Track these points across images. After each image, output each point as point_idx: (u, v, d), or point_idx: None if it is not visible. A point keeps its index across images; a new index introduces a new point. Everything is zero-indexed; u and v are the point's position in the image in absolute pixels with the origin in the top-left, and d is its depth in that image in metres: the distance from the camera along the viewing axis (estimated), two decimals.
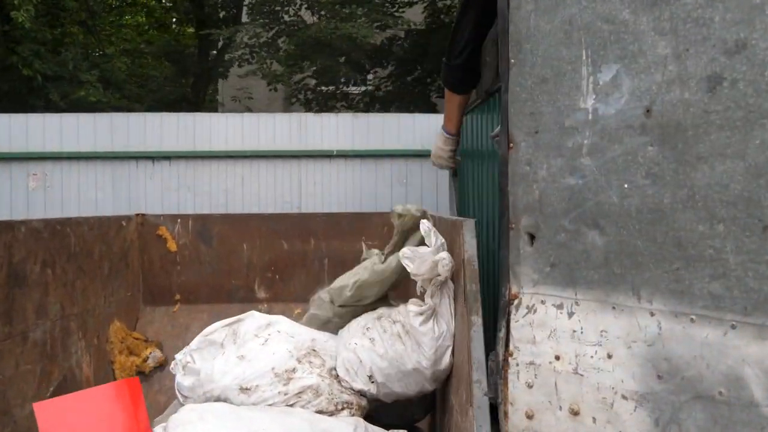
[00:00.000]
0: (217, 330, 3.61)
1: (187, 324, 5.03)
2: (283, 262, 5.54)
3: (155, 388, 4.37)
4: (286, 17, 11.05)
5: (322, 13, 10.69)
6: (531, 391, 2.08)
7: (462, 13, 3.33)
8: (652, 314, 1.81)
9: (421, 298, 3.30)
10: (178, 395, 3.43)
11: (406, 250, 3.19)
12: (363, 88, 15.37)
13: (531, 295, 2.08)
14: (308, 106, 13.43)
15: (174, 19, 13.69)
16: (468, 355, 2.61)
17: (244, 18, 12.67)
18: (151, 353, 4.49)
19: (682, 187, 1.74)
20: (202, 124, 7.12)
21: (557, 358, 2.01)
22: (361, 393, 3.26)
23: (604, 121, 1.88)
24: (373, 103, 14.37)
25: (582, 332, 1.96)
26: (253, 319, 3.65)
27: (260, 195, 7.28)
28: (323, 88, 13.54)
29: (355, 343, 3.36)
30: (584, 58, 1.93)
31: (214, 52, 12.89)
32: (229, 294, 5.24)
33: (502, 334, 2.17)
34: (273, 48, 10.48)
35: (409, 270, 3.14)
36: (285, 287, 5.57)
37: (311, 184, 7.33)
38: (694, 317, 1.73)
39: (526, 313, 2.09)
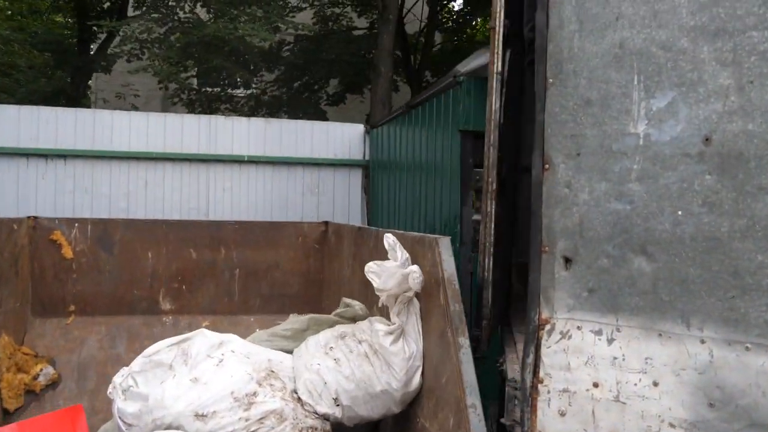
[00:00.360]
0: (162, 350, 3.32)
1: (83, 338, 4.64)
2: (190, 272, 5.26)
3: (47, 408, 3.98)
4: (181, 14, 10.54)
5: (212, 11, 10.32)
6: (564, 419, 2.03)
7: None
8: (702, 342, 1.82)
9: (386, 315, 3.20)
10: (120, 423, 3.11)
11: (371, 264, 3.08)
12: (248, 91, 15.00)
13: (566, 320, 2.04)
14: (191, 107, 12.93)
15: (48, 6, 12.70)
16: (458, 378, 2.54)
17: (130, 11, 11.98)
18: (42, 370, 4.10)
19: (741, 217, 1.75)
20: (103, 122, 6.60)
21: (595, 385, 1.98)
22: (324, 417, 3.10)
23: (658, 147, 1.88)
24: (258, 108, 14.07)
25: (624, 359, 1.94)
26: (204, 337, 3.39)
27: (165, 200, 6.85)
28: (208, 89, 13.09)
29: (318, 364, 3.19)
30: (636, 82, 1.91)
31: (95, 45, 12.09)
32: (130, 305, 4.89)
33: (530, 360, 2.11)
34: (165, 44, 9.95)
35: (375, 284, 3.04)
36: (192, 298, 5.29)
37: (220, 190, 6.99)
38: (749, 345, 1.75)
39: (560, 339, 2.05)
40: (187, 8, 10.43)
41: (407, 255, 3.10)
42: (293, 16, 13.09)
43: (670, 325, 1.86)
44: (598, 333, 1.98)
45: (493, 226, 3.73)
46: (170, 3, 10.41)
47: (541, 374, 2.07)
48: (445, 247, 3.00)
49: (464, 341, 2.63)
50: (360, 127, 7.68)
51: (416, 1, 15.46)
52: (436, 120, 5.75)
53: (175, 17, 10.45)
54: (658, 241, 1.88)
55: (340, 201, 7.38)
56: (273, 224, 5.97)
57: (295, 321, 3.82)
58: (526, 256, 4.41)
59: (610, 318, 1.96)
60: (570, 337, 2.03)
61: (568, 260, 2.04)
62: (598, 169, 1.97)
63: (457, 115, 5.42)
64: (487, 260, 3.64)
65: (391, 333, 3.07)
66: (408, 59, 15.11)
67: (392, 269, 3.01)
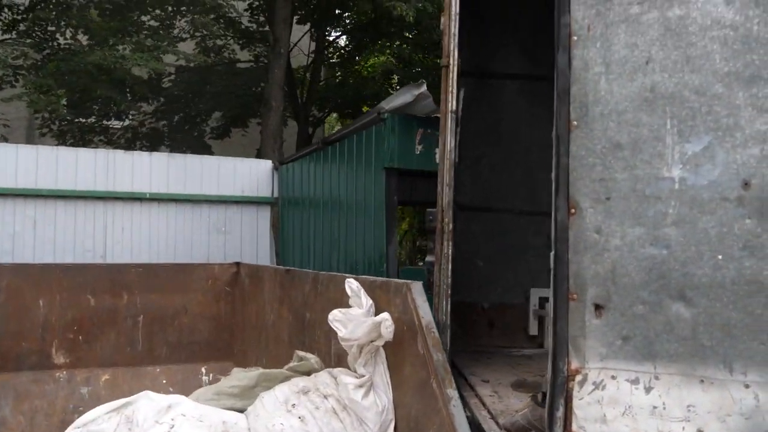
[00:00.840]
0: (100, 417, 2.98)
1: None
2: (88, 321, 4.88)
3: None
4: (61, 39, 9.85)
5: (94, 39, 9.75)
6: None
7: None
8: (747, 386, 1.81)
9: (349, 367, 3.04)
10: None
11: (336, 313, 2.94)
12: (124, 123, 14.31)
13: (599, 370, 1.97)
14: (61, 139, 12.12)
15: None
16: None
17: None
18: None
19: None
20: None
21: None
22: None
23: (694, 191, 1.87)
24: (135, 140, 13.43)
25: (665, 408, 1.89)
26: (149, 401, 3.08)
27: (56, 241, 6.25)
28: (81, 120, 12.33)
29: (281, 424, 2.98)
30: (669, 126, 1.91)
31: None
32: (17, 360, 4.46)
33: (560, 413, 2.02)
34: (43, 72, 9.23)
35: (340, 334, 2.88)
36: (90, 350, 4.89)
37: (119, 230, 6.49)
38: None
39: (593, 390, 1.98)
40: (68, 34, 9.76)
41: (371, 302, 2.97)
42: (176, 47, 12.68)
43: (712, 371, 1.84)
44: (635, 382, 1.93)
45: (450, 267, 3.67)
46: (49, 28, 9.70)
47: (575, 427, 1.98)
48: (418, 293, 2.90)
49: (453, 393, 2.53)
50: (268, 164, 7.43)
51: (302, 36, 15.40)
52: (357, 157, 5.65)
53: (55, 43, 9.75)
54: (698, 285, 1.86)
55: (248, 240, 7.08)
56: (180, 266, 5.65)
57: (241, 377, 3.55)
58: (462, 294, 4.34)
59: (647, 366, 1.92)
60: (604, 387, 1.96)
61: (599, 307, 1.98)
62: (631, 213, 1.94)
63: (382, 152, 5.36)
64: (444, 303, 3.56)
65: (361, 386, 2.91)
66: (294, 93, 14.98)
67: (360, 318, 2.87)
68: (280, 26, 12.11)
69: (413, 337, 2.81)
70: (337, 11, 14.48)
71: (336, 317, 2.90)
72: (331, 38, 15.57)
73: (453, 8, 3.64)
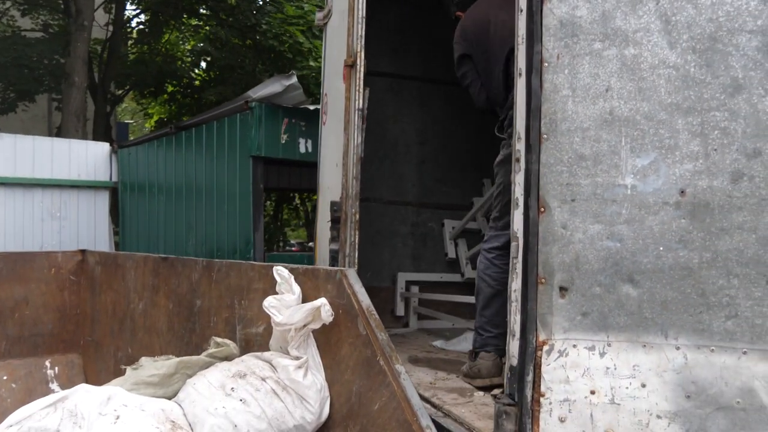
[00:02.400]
0: (36, 413, 2.90)
1: None
2: None
3: None
4: None
5: None
6: (564, 425, 2.40)
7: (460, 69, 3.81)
8: (677, 348, 2.35)
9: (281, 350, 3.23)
10: None
11: (271, 299, 3.13)
12: None
13: (563, 341, 2.41)
14: None
15: None
16: (405, 403, 2.76)
17: None
18: None
19: (707, 251, 2.33)
20: None
21: (592, 392, 2.39)
22: None
23: (642, 197, 2.37)
24: None
25: (615, 368, 2.38)
26: (87, 393, 3.05)
27: None
28: None
29: (223, 407, 3.12)
30: (623, 143, 2.38)
31: None
32: None
33: (530, 377, 2.43)
34: None
35: (276, 319, 3.09)
36: None
37: None
38: (714, 348, 2.33)
39: (558, 357, 2.41)
40: None
41: (299, 289, 3.17)
42: None
43: (652, 338, 2.35)
44: (592, 349, 2.39)
45: (356, 255, 3.96)
46: None
47: (543, 389, 2.40)
48: (354, 278, 3.15)
49: (401, 368, 2.83)
50: (105, 146, 7.02)
51: (97, 7, 14.48)
52: (220, 143, 5.65)
53: None
54: (643, 271, 2.36)
55: (85, 226, 6.68)
56: (20, 255, 5.36)
57: (159, 366, 3.55)
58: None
59: (602, 335, 2.38)
60: (567, 354, 2.40)
61: (563, 289, 2.41)
62: (592, 213, 2.39)
63: (248, 140, 5.46)
64: None
65: (300, 367, 3.12)
66: (90, 69, 14.11)
67: (295, 303, 3.07)
68: None
69: (351, 320, 3.04)
70: None
71: (271, 303, 3.05)
72: (131, 13, 14.82)
73: (359, 11, 3.89)
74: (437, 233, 5.43)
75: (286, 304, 3.06)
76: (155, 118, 17.02)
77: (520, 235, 2.53)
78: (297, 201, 14.85)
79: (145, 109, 16.58)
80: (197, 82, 13.70)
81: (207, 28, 12.99)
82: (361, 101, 3.91)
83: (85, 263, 5.29)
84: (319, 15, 5.11)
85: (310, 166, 6.23)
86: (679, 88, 2.35)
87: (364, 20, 3.84)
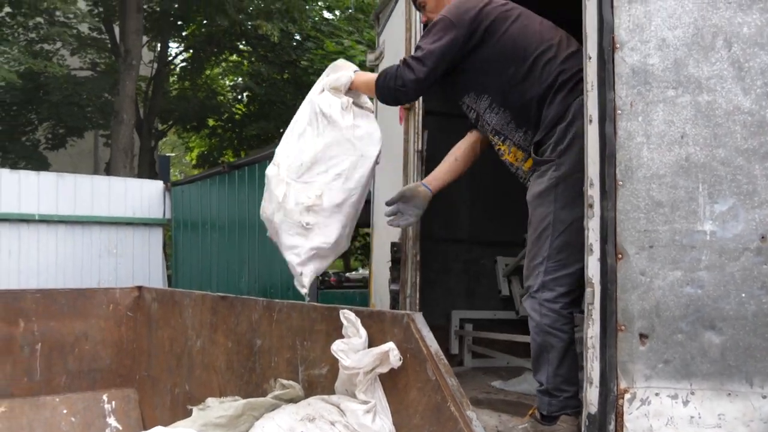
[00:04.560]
0: None
1: None
2: None
3: None
4: None
5: None
6: None
7: (437, 57, 3.14)
8: (764, 397, 2.31)
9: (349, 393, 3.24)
10: None
11: (339, 343, 3.13)
12: None
13: (645, 389, 2.39)
14: None
15: None
16: None
17: None
18: None
19: None
20: None
21: None
22: None
23: (722, 243, 2.35)
24: None
25: (700, 417, 2.35)
26: None
27: None
28: None
29: None
30: (701, 189, 2.38)
31: None
32: None
33: (612, 427, 2.41)
34: None
35: (345, 363, 3.09)
36: None
37: (5, 253, 5.97)
38: None
39: (640, 405, 2.39)
40: None
41: (365, 333, 3.19)
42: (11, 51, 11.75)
43: (737, 386, 2.32)
44: (675, 397, 2.37)
45: (417, 296, 3.97)
46: None
47: None
48: (422, 323, 3.15)
49: (472, 414, 2.82)
50: (159, 184, 7.21)
51: (143, 45, 14.87)
52: None
53: None
54: (726, 317, 2.34)
55: (140, 262, 6.83)
56: (80, 291, 5.45)
57: (227, 407, 3.58)
58: None
59: (685, 383, 2.36)
60: (650, 403, 2.38)
61: (643, 336, 2.40)
62: (671, 259, 2.38)
63: None
64: None
65: (369, 411, 3.12)
66: (136, 106, 14.48)
67: (362, 347, 3.08)
68: (131, 37, 11.72)
69: (419, 365, 3.04)
70: (179, 22, 14.20)
71: (339, 347, 3.07)
72: (175, 51, 15.21)
73: None
74: (490, 270, 5.41)
75: (354, 347, 3.09)
76: (195, 151, 17.34)
77: (596, 281, 2.52)
78: None
79: (186, 142, 16.92)
80: (237, 117, 13.96)
81: (247, 64, 13.26)
82: (420, 143, 3.96)
83: (141, 299, 5.39)
84: (370, 57, 5.20)
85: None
86: (754, 133, 2.35)
87: None
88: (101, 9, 13.45)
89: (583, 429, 2.59)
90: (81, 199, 6.61)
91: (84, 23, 12.66)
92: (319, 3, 11.47)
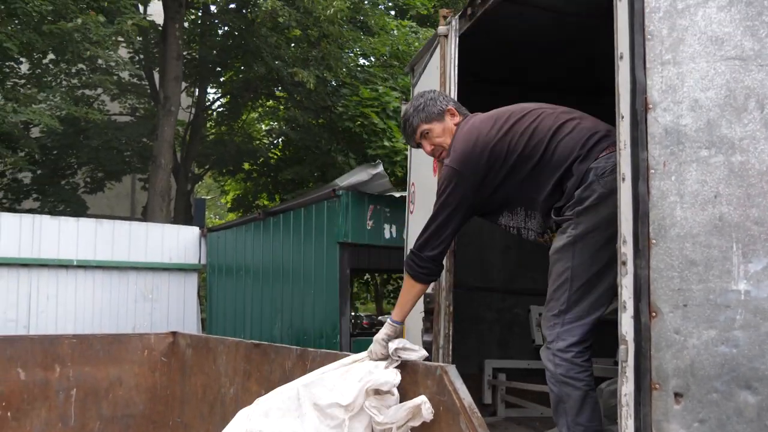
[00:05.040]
0: None
1: None
2: (17, 396, 4.79)
3: None
4: None
5: None
6: None
7: (451, 210, 3.17)
8: None
9: None
10: None
11: (372, 399, 3.15)
12: None
13: None
14: None
15: None
16: None
17: None
18: None
19: None
20: None
21: None
22: None
23: (757, 302, 2.36)
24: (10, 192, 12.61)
25: None
26: None
27: None
28: None
29: None
30: (735, 249, 2.39)
31: None
32: None
33: None
34: None
35: (377, 419, 3.11)
36: (19, 427, 4.79)
37: (44, 299, 6.15)
38: None
39: None
40: None
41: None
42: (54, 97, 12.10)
43: None
44: None
45: (450, 347, 3.99)
46: None
47: None
48: (455, 375, 3.16)
49: None
50: (195, 230, 7.37)
51: (181, 91, 15.28)
52: (307, 229, 5.85)
53: None
54: (761, 377, 2.33)
55: (175, 308, 6.95)
56: (116, 337, 5.58)
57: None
58: None
59: None
60: None
61: (678, 395, 2.39)
62: (705, 318, 2.39)
63: (336, 226, 5.62)
64: None
65: None
66: (173, 150, 14.82)
67: (394, 402, 3.11)
68: (171, 84, 12.06)
69: (453, 418, 3.05)
70: (217, 69, 14.58)
71: (372, 404, 3.10)
72: (212, 97, 15.58)
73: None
74: (523, 319, 5.42)
75: (386, 403, 3.12)
76: (231, 195, 17.62)
77: (629, 338, 2.53)
78: (367, 275, 14.98)
79: (222, 186, 17.21)
80: (273, 161, 14.22)
81: (283, 109, 13.55)
82: None
83: (176, 345, 5.47)
84: (405, 106, 5.31)
85: (394, 249, 6.38)
86: None
87: None
88: (142, 56, 13.88)
89: None
90: (119, 245, 6.79)
91: (125, 71, 13.08)
92: (356, 49, 11.73)
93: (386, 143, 10.74)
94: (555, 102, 5.39)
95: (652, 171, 2.50)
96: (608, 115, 5.32)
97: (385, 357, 3.25)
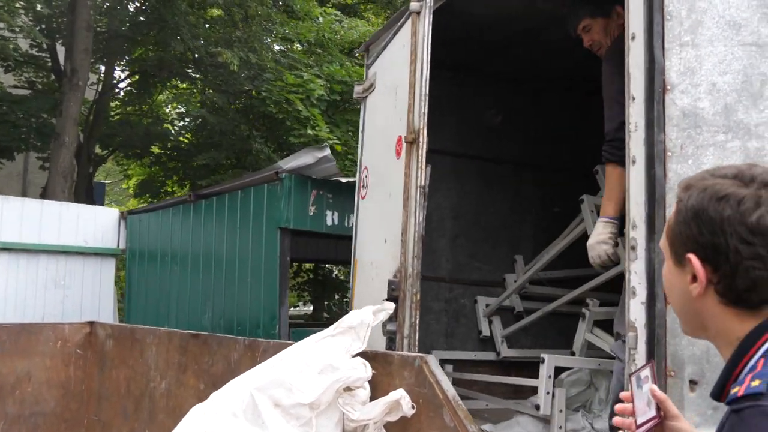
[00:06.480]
0: None
1: None
2: None
3: None
4: None
5: None
6: None
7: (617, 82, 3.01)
8: None
9: None
10: None
11: (345, 396, 3.01)
12: None
13: None
14: None
15: None
16: None
17: None
18: None
19: None
20: None
21: None
22: None
23: None
24: None
25: None
26: None
27: None
28: None
29: None
30: None
31: None
32: None
33: None
34: None
35: (352, 417, 2.97)
36: None
37: None
38: None
39: None
40: None
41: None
42: None
43: None
44: None
45: (417, 336, 3.85)
46: None
47: None
48: (435, 365, 3.05)
49: None
50: (114, 212, 6.82)
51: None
52: (244, 214, 5.53)
53: None
54: None
55: (89, 295, 6.41)
56: (25, 327, 5.14)
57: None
58: None
59: None
60: None
61: (693, 383, 2.35)
62: None
63: (277, 211, 5.35)
64: None
65: None
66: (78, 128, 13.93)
67: (367, 396, 2.98)
68: (79, 56, 11.28)
69: (434, 410, 2.93)
70: (126, 45, 13.80)
71: (346, 401, 2.96)
72: (120, 75, 14.74)
73: (422, 88, 3.89)
74: (470, 310, 5.35)
75: (359, 399, 2.97)
76: (134, 179, 16.78)
77: (639, 325, 2.47)
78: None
79: (125, 169, 16.34)
80: (184, 146, 13.60)
81: (198, 93, 12.94)
82: (423, 178, 3.87)
83: (93, 336, 5.07)
84: (358, 88, 5.12)
85: (335, 238, 6.16)
86: None
87: (427, 97, 3.83)
88: (44, 26, 12.95)
89: None
90: (28, 225, 6.19)
91: (27, 39, 12.12)
92: (281, 33, 11.36)
93: (309, 131, 10.46)
94: (512, 94, 5.37)
95: (669, 154, 2.44)
96: (561, 106, 5.32)
97: (615, 260, 3.20)
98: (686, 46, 2.47)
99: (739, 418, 1.10)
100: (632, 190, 2.56)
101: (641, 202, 2.51)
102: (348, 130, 11.38)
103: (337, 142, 10.56)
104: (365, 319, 3.32)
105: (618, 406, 1.44)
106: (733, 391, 1.15)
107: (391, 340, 3.94)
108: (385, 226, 4.34)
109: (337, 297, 15.54)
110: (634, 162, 2.56)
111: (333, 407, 2.98)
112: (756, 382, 1.11)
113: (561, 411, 3.91)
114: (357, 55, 14.67)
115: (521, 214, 5.50)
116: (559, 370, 4.11)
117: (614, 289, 4.41)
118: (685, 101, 2.46)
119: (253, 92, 12.03)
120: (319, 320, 12.75)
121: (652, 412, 1.34)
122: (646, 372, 1.39)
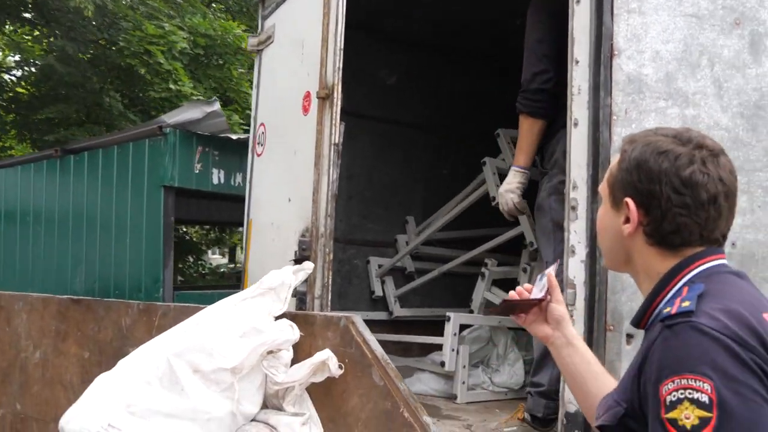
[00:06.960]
0: None
1: None
2: None
3: None
4: None
5: None
6: None
7: (537, 38, 3.24)
8: None
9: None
10: None
11: (270, 359, 2.96)
12: None
13: None
14: None
15: None
16: None
17: None
18: None
19: None
20: None
21: None
22: None
23: None
24: None
25: None
26: None
27: None
28: None
29: None
30: None
31: None
32: None
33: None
34: None
35: (277, 379, 2.94)
36: None
37: None
38: None
39: None
40: None
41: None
42: None
43: None
44: None
45: (329, 297, 3.80)
46: None
47: None
48: (362, 326, 3.05)
49: (428, 419, 2.78)
50: None
51: None
52: (122, 170, 5.11)
53: None
54: None
55: None
56: None
57: None
58: None
59: None
60: None
61: (630, 336, 2.49)
62: None
63: (161, 168, 5.02)
64: None
65: (304, 423, 2.99)
66: None
67: (290, 358, 2.95)
68: None
69: (362, 370, 2.93)
70: None
71: (270, 363, 2.90)
72: None
73: (337, 42, 3.78)
74: (362, 270, 5.33)
75: (282, 361, 2.90)
76: None
77: (578, 282, 2.57)
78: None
79: None
80: (24, 97, 12.35)
81: (46, 42, 11.72)
82: (337, 136, 3.77)
83: None
84: (252, 41, 4.87)
85: (220, 199, 5.88)
86: (729, 148, 2.50)
87: (342, 52, 3.72)
88: None
89: (560, 428, 2.61)
90: None
91: None
92: None
93: (171, 86, 9.87)
94: (409, 57, 5.33)
95: (615, 117, 2.53)
96: (462, 71, 5.36)
97: (521, 209, 3.32)
98: (633, 12, 2.55)
99: (672, 332, 1.26)
100: (573, 152, 2.63)
101: (583, 164, 2.58)
102: (212, 86, 10.87)
103: (201, 98, 10.03)
104: (286, 279, 3.21)
105: (517, 288, 1.72)
106: (665, 311, 1.31)
107: (302, 301, 3.84)
108: (289, 184, 4.20)
109: (192, 260, 14.98)
110: (576, 124, 2.62)
111: (256, 371, 2.88)
112: (686, 303, 1.28)
113: (464, 367, 4.01)
114: (214, 6, 14.00)
115: (413, 176, 5.53)
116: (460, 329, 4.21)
117: (509, 251, 4.60)
118: (630, 67, 2.54)
119: (102, 41, 11.13)
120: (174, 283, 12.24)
121: (542, 294, 1.67)
122: (551, 270, 1.70)
